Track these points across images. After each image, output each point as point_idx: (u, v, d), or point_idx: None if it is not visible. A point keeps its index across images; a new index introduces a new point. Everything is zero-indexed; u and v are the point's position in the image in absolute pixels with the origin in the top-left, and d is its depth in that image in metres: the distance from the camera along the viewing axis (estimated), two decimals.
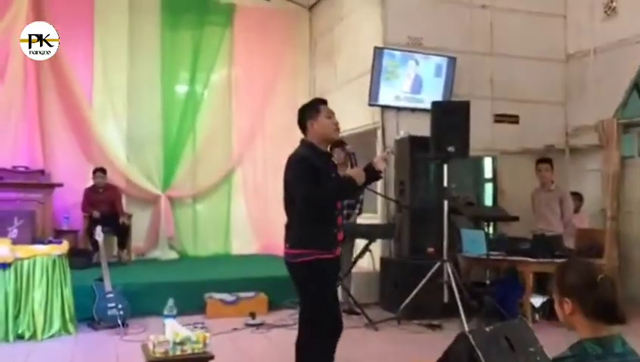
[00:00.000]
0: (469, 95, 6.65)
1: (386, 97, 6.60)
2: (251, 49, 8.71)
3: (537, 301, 5.61)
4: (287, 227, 3.16)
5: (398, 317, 5.48)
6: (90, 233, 6.48)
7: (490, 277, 5.55)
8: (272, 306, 5.88)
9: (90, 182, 7.48)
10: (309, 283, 3.07)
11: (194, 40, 8.43)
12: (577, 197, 6.67)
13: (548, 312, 5.66)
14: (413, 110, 6.66)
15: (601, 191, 6.83)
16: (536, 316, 5.61)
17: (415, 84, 6.74)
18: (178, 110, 8.37)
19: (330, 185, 3.07)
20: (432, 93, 6.66)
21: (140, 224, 8.02)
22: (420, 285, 5.38)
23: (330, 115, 3.16)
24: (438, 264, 5.40)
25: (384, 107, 6.65)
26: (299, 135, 3.29)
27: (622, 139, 6.67)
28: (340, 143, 4.73)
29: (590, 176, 7.06)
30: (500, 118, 7.21)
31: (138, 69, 8.12)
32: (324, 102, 3.24)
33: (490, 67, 7.16)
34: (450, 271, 5.36)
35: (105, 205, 7.32)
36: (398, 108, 6.67)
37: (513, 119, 7.25)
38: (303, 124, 3.20)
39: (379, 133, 6.78)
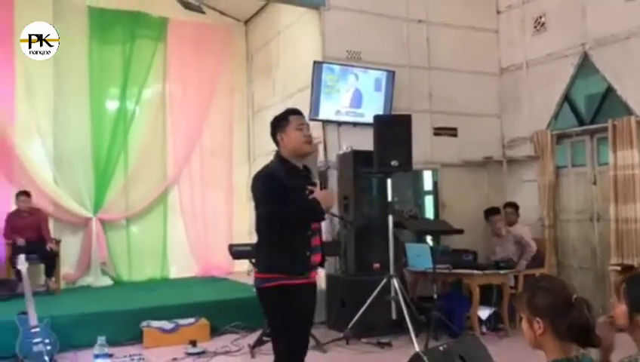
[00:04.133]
0: (408, 109, 6.65)
1: (326, 112, 6.50)
2: (186, 64, 8.44)
3: (484, 313, 5.61)
4: (257, 249, 2.98)
5: (347, 337, 5.33)
6: (12, 262, 6.00)
7: (437, 290, 5.50)
8: (215, 332, 5.58)
9: (14, 207, 6.96)
10: (275, 312, 2.83)
11: (124, 54, 8.09)
12: (513, 207, 6.74)
13: (494, 324, 5.69)
14: (355, 124, 6.59)
15: (538, 201, 6.98)
16: (484, 328, 5.61)
17: (355, 99, 6.69)
18: (108, 127, 7.96)
19: (291, 209, 2.81)
20: (373, 107, 6.62)
21: (69, 249, 7.54)
22: (368, 302, 5.26)
23: (301, 126, 2.94)
24: (385, 280, 5.32)
25: (325, 122, 6.54)
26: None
27: (555, 150, 6.87)
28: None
29: (527, 187, 7.20)
30: (439, 131, 7.27)
31: (64, 84, 7.67)
32: (295, 112, 3.03)
33: (428, 81, 7.21)
34: (397, 286, 5.28)
35: (30, 231, 6.81)
36: (339, 123, 6.59)
37: (452, 132, 7.33)
38: (274, 137, 2.98)
39: (321, 148, 6.66)
